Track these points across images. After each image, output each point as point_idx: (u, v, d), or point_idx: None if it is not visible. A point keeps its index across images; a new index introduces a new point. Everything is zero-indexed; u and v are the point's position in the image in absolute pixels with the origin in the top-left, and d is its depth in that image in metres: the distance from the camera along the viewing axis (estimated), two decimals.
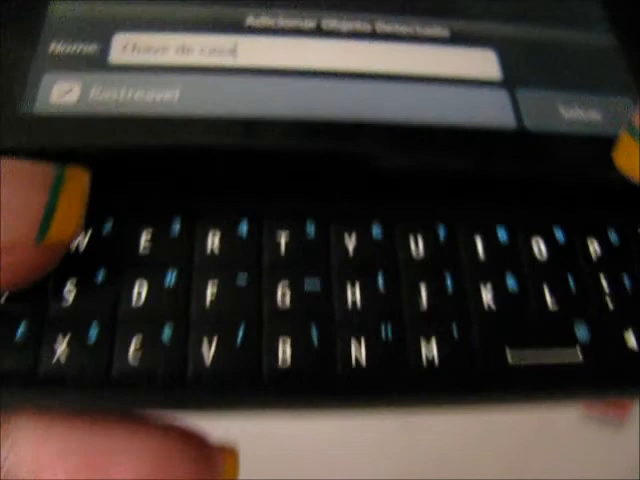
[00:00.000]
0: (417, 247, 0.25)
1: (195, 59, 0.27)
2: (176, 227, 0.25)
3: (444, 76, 0.27)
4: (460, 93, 0.27)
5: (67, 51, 0.27)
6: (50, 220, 0.21)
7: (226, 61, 0.27)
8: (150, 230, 0.24)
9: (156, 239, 0.24)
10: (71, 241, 0.23)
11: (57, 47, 0.27)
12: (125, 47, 0.27)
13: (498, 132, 0.26)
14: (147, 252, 0.24)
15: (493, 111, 0.27)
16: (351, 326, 0.24)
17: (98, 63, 0.27)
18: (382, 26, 0.29)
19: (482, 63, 0.28)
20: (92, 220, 0.24)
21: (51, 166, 0.22)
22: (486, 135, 0.26)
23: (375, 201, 0.26)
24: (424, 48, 0.28)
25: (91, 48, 0.27)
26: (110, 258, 0.24)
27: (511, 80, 0.28)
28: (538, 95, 0.28)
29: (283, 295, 0.24)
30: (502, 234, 0.26)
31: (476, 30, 0.29)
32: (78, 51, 0.27)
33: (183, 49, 0.27)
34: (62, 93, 0.26)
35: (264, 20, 0.28)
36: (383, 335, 0.24)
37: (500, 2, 0.31)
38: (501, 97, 0.27)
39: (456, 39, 0.29)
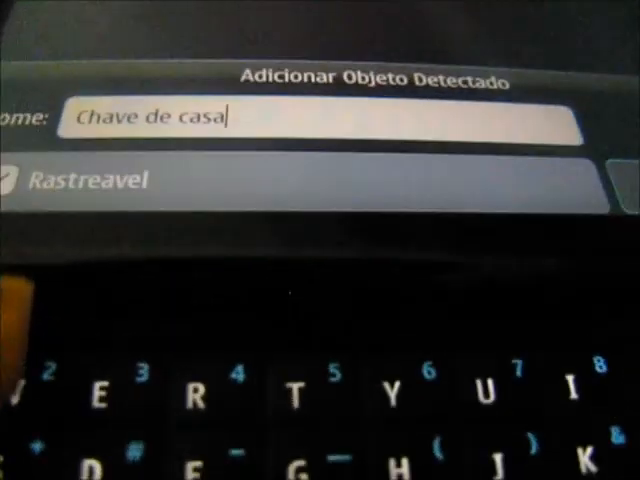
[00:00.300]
0: (486, 392, 0.17)
1: (172, 129, 0.19)
2: (142, 376, 0.17)
3: (508, 143, 0.19)
4: (532, 167, 0.19)
5: (6, 123, 0.19)
6: None
7: (213, 131, 0.19)
8: (106, 381, 0.16)
9: (114, 394, 0.16)
10: (9, 393, 0.15)
11: None
12: (80, 116, 0.19)
13: (587, 220, 0.18)
14: (101, 413, 0.16)
15: (578, 191, 0.19)
16: None
17: (44, 138, 0.19)
18: (423, 78, 0.21)
19: (556, 124, 0.20)
20: (26, 365, 0.16)
21: None
22: (572, 225, 0.18)
23: (419, 329, 0.17)
24: (478, 106, 0.20)
25: (37, 118, 0.19)
26: (50, 422, 0.16)
27: (596, 146, 0.20)
28: (634, 166, 0.20)
29: (298, 472, 0.16)
30: (600, 366, 0.18)
31: (543, 80, 0.21)
32: (20, 123, 0.19)
33: (157, 116, 0.19)
34: None
35: (265, 74, 0.20)
36: None
37: (569, 43, 0.23)
38: (586, 170, 0.19)
39: (518, 93, 0.21)
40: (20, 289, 0.16)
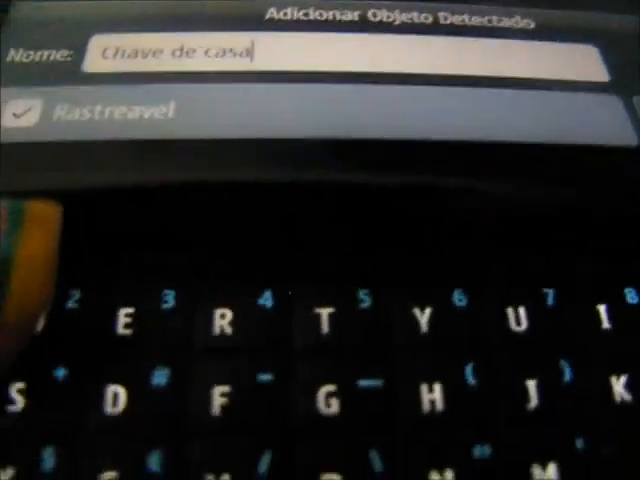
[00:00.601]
0: (518, 320, 0.16)
1: (198, 63, 0.17)
2: (169, 302, 0.15)
3: (534, 78, 0.18)
4: (559, 100, 0.18)
5: (30, 60, 0.18)
6: (4, 286, 0.13)
7: (239, 64, 0.18)
8: (131, 308, 0.15)
9: (140, 321, 0.15)
10: (37, 319, 0.14)
11: (18, 55, 0.18)
12: (105, 52, 0.18)
13: (615, 152, 0.17)
14: (126, 339, 0.15)
15: (605, 124, 0.17)
16: (428, 445, 0.14)
17: (69, 73, 0.18)
18: (448, 17, 0.19)
19: (582, 62, 0.19)
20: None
21: (3, 202, 0.14)
22: (600, 157, 0.17)
23: (451, 257, 0.16)
24: (504, 44, 0.19)
25: (61, 54, 0.18)
26: (74, 349, 0.15)
27: (623, 83, 0.18)
28: None
29: (328, 397, 0.15)
30: (632, 296, 0.17)
31: (568, 20, 0.20)
32: (44, 59, 0.18)
33: (182, 51, 0.18)
34: (18, 113, 0.17)
35: (290, 11, 0.19)
36: (476, 455, 0.14)
37: None
38: (614, 105, 0.18)
39: (543, 32, 0.19)
40: (49, 213, 0.15)
